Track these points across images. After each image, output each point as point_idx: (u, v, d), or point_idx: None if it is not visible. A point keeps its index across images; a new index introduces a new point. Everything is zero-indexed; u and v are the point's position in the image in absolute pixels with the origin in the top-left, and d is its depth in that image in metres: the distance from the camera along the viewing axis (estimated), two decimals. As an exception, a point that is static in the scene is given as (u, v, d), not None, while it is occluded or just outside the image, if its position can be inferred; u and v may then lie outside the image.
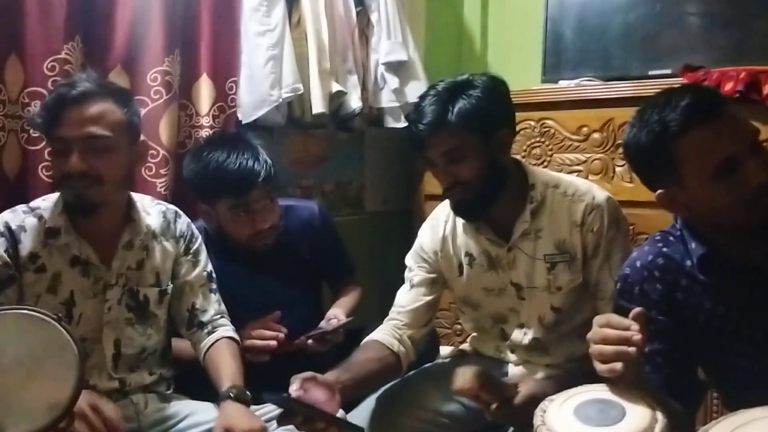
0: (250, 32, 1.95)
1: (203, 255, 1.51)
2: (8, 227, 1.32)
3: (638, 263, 1.18)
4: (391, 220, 2.50)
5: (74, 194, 1.32)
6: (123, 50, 1.69)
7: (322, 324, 1.66)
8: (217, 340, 1.44)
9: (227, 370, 1.37)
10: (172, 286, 1.46)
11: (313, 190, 2.31)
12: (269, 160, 1.60)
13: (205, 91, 1.85)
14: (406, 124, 2.24)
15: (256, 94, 1.93)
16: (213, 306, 1.48)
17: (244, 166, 1.55)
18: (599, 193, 1.46)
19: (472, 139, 1.37)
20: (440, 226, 1.56)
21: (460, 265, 1.53)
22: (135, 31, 1.70)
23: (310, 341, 1.58)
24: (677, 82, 1.86)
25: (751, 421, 0.93)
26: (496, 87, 1.42)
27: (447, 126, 1.36)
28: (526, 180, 1.47)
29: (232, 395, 1.31)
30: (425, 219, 1.67)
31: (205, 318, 1.46)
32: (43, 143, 1.57)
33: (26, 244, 1.32)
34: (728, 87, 1.75)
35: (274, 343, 1.54)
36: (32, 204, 1.38)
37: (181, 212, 1.52)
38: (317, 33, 2.07)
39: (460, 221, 1.53)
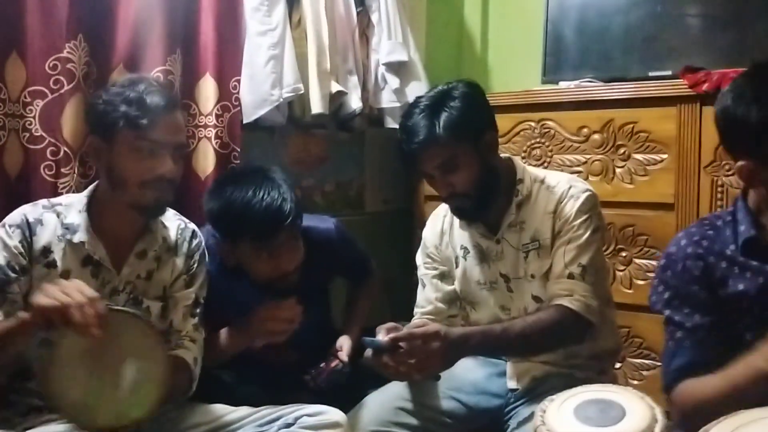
0: (251, 32, 1.95)
1: (200, 279, 1.47)
2: (26, 220, 1.34)
3: (683, 241, 1.22)
4: (392, 220, 2.50)
5: (156, 197, 1.35)
6: (125, 49, 1.68)
7: (338, 346, 1.66)
8: (172, 355, 1.39)
9: None
10: (168, 299, 1.44)
11: (314, 190, 2.31)
12: (295, 198, 1.51)
13: (208, 90, 1.84)
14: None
15: (257, 93, 1.93)
16: (188, 331, 1.44)
17: (271, 207, 1.45)
18: (579, 185, 1.49)
19: (461, 147, 1.42)
20: (439, 221, 1.62)
21: (457, 258, 1.58)
22: (137, 31, 1.69)
23: (311, 383, 1.57)
24: (677, 83, 1.87)
25: (752, 421, 0.93)
26: (474, 93, 1.47)
27: (437, 140, 1.40)
28: (515, 175, 1.51)
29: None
30: (426, 219, 1.69)
31: (174, 337, 1.43)
32: (45, 143, 1.57)
33: (41, 238, 1.33)
34: (728, 88, 1.75)
35: (294, 325, 1.50)
36: (54, 200, 1.40)
37: (198, 232, 1.51)
38: (317, 33, 2.07)
39: None
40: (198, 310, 1.46)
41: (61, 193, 1.57)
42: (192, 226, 1.51)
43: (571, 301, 1.38)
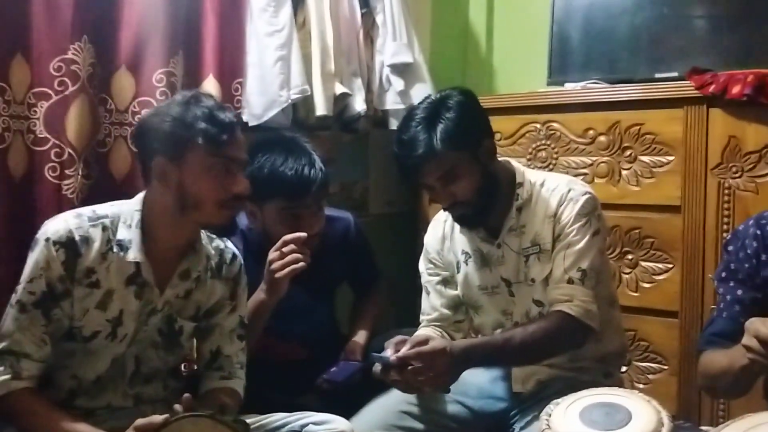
0: (259, 33, 1.94)
1: (244, 299, 1.46)
2: (71, 238, 1.25)
3: (751, 221, 1.28)
4: (396, 222, 2.49)
5: (230, 215, 1.32)
6: (128, 51, 1.68)
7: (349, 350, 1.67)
8: (227, 388, 1.40)
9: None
10: (204, 322, 1.42)
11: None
12: (324, 167, 1.58)
13: (211, 92, 1.84)
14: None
15: (266, 95, 1.93)
16: (237, 354, 1.43)
17: (301, 172, 1.55)
18: (578, 187, 1.49)
19: (461, 157, 1.41)
20: (440, 226, 1.62)
21: (458, 263, 1.58)
22: (140, 32, 1.69)
23: (326, 385, 1.58)
24: (684, 85, 1.86)
25: (761, 424, 0.93)
26: (469, 101, 1.47)
27: (435, 153, 1.39)
28: (514, 179, 1.51)
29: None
30: (429, 221, 1.69)
31: (225, 363, 1.42)
32: (49, 144, 1.57)
33: (86, 258, 1.26)
34: (736, 90, 1.74)
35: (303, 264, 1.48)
36: (99, 211, 1.31)
37: (238, 253, 1.46)
38: (322, 34, 2.07)
39: None
40: (244, 332, 1.45)
41: (66, 195, 1.57)
42: (231, 246, 1.45)
43: (571, 307, 1.38)
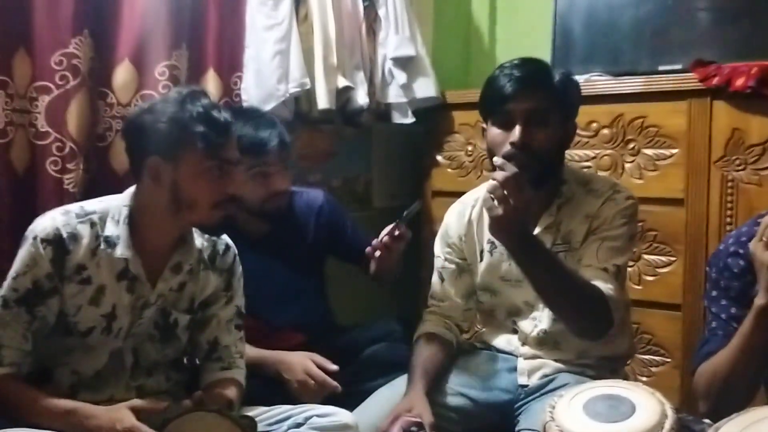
0: (257, 26, 1.94)
1: (240, 290, 1.46)
2: (59, 235, 1.25)
3: (730, 240, 1.26)
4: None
5: (224, 216, 1.31)
6: (131, 44, 1.68)
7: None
8: (228, 378, 1.40)
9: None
10: (200, 314, 1.42)
11: (320, 185, 2.30)
12: (280, 129, 1.65)
13: (211, 85, 1.84)
14: (413, 119, 2.25)
15: (264, 88, 1.93)
16: (235, 343, 1.43)
17: (251, 136, 1.59)
18: (621, 191, 1.47)
19: (558, 109, 1.41)
20: (467, 210, 1.58)
21: (482, 252, 1.55)
22: (143, 25, 1.69)
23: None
24: (688, 77, 1.85)
25: (763, 419, 0.92)
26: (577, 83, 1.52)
27: (549, 87, 1.41)
28: (561, 175, 1.49)
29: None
30: (433, 215, 1.67)
31: (224, 354, 1.42)
32: (51, 138, 1.57)
33: (75, 255, 1.26)
34: (740, 82, 1.74)
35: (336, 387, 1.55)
36: (87, 207, 1.31)
37: (231, 244, 1.46)
38: (324, 27, 2.06)
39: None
40: (241, 321, 1.46)
41: (67, 189, 1.57)
42: (224, 237, 1.44)
43: (607, 289, 1.35)
